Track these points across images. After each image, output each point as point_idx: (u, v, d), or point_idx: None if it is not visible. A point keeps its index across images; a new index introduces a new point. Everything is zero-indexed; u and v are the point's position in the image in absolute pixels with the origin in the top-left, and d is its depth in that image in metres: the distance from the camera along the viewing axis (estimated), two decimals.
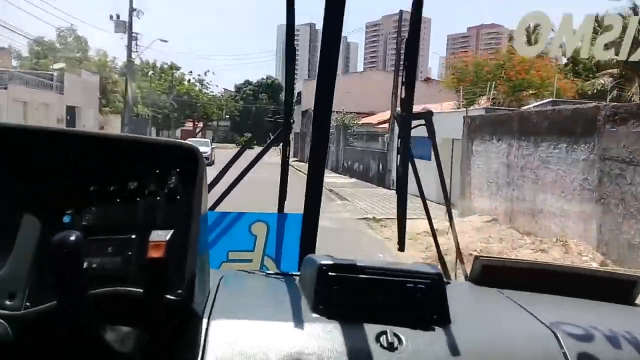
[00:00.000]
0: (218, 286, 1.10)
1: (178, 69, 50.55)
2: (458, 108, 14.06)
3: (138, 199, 0.94)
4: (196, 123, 54.14)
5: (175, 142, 0.96)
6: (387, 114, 20.35)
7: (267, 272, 1.27)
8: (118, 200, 0.95)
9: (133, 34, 25.84)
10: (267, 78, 63.73)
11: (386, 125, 18.46)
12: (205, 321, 0.95)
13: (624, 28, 1.08)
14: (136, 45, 26.44)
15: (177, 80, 48.78)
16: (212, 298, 1.03)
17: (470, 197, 10.14)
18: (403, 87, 1.19)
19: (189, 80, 51.90)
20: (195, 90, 51.72)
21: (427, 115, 1.30)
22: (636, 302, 1.31)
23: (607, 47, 1.12)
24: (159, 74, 47.46)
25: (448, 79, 16.72)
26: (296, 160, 34.70)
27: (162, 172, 0.95)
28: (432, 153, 1.39)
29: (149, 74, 47.29)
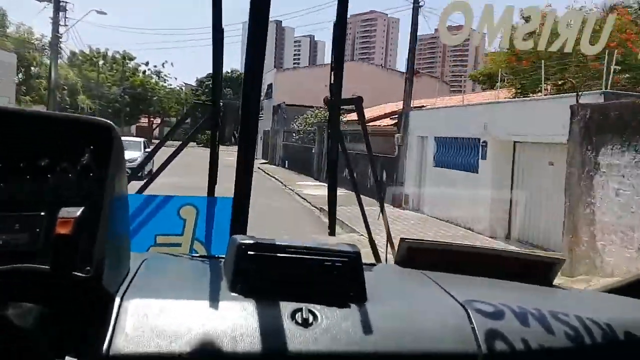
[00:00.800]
0: (139, 268, 1.12)
1: (132, 58, 47.87)
2: (514, 96, 11.45)
3: (49, 175, 0.96)
4: (152, 119, 52.90)
5: (90, 118, 0.99)
6: (381, 109, 18.71)
7: (194, 254, 1.23)
8: (27, 176, 0.96)
9: (61, 1, 19.89)
10: (232, 72, 62.74)
11: (378, 122, 16.43)
12: (118, 300, 0.97)
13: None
14: (65, 18, 20.94)
15: (130, 71, 46.93)
16: (129, 279, 1.05)
17: (593, 247, 6.01)
18: (332, 73, 1.25)
19: (144, 72, 49.51)
20: (151, 82, 49.55)
21: (357, 101, 1.38)
22: (554, 283, 1.42)
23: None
24: (111, 64, 44.73)
25: (494, 61, 13.29)
26: (265, 163, 31.34)
27: (75, 149, 0.97)
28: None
29: (99, 63, 44.45)
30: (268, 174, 22.67)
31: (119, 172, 0.99)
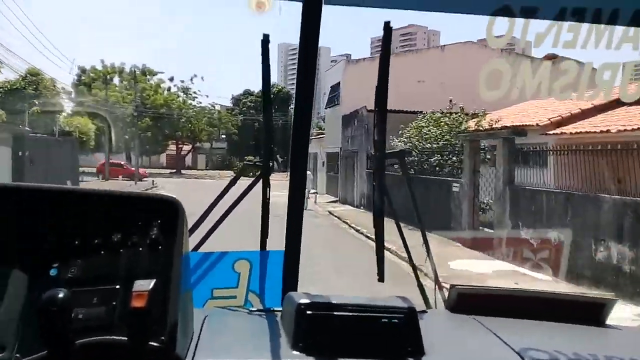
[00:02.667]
0: (202, 326, 1.25)
1: (154, 74, 45.74)
2: None
3: (121, 250, 1.09)
4: (180, 145, 49.91)
5: (156, 195, 1.16)
6: (524, 108, 13.86)
7: (250, 308, 1.52)
8: (102, 252, 1.09)
9: None
10: (272, 86, 60.74)
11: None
12: None
13: None
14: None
15: (152, 89, 44.47)
16: (195, 339, 1.18)
17: None
18: (375, 129, 1.43)
19: (168, 89, 46.89)
20: (177, 101, 46.40)
21: (400, 154, 1.56)
22: (607, 322, 1.53)
23: None
24: (129, 81, 42.68)
25: None
26: (334, 202, 23.09)
27: (144, 224, 1.11)
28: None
29: (114, 80, 43.07)
30: (342, 220, 16.85)
31: (184, 241, 1.12)
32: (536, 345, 1.25)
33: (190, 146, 50.61)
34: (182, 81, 49.43)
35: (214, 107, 52.28)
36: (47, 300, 0.91)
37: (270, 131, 1.61)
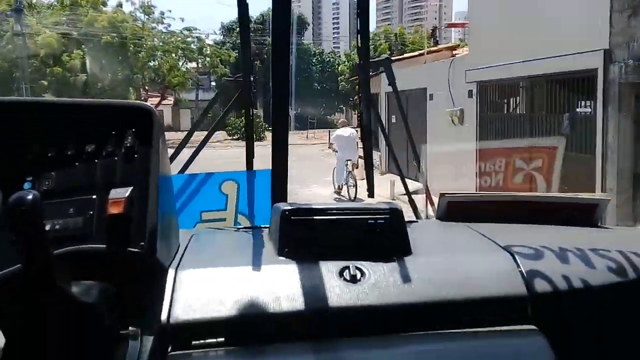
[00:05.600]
0: (188, 243, 1.46)
1: None
2: None
3: (96, 160, 1.22)
4: (145, 93, 39.33)
5: (129, 102, 1.31)
6: None
7: (239, 227, 1.59)
8: (77, 163, 1.22)
9: None
10: (259, 19, 51.52)
11: None
12: (172, 272, 1.25)
13: None
14: None
15: (89, 3, 34.06)
16: (180, 252, 1.36)
17: None
18: (358, 36, 1.57)
19: (119, 5, 36.15)
20: (131, 24, 36.23)
21: (385, 62, 1.73)
22: (602, 223, 1.76)
23: None
24: (70, 1, 33.96)
25: None
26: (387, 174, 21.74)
27: (118, 133, 1.23)
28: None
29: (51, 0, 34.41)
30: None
31: (161, 152, 1.25)
32: (526, 242, 1.46)
33: (160, 96, 40.04)
34: None
35: (192, 33, 42.15)
36: (14, 202, 0.95)
37: (247, 43, 1.73)
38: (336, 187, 13.34)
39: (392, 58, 14.83)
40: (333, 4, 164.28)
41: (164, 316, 1.18)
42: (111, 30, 33.22)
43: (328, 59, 55.23)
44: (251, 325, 1.24)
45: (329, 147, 14.17)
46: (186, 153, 1.83)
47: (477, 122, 12.16)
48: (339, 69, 47.55)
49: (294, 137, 34.15)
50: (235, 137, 34.16)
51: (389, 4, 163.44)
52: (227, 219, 1.87)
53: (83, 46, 32.51)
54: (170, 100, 43.28)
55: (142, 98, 36.95)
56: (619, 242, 1.62)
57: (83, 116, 1.31)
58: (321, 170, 14.59)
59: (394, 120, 16.74)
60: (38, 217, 0.98)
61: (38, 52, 29.99)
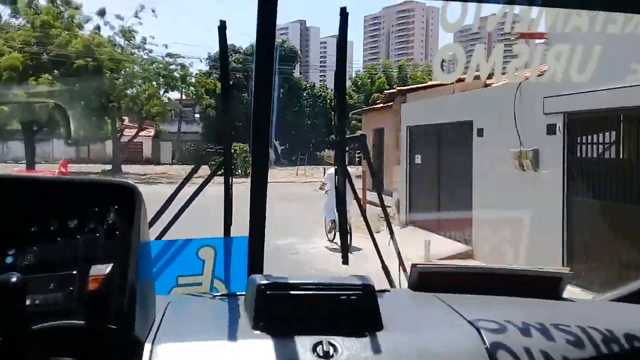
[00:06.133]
0: (165, 311, 1.61)
1: (77, 7, 34.87)
2: None
3: (78, 236, 1.37)
4: (120, 126, 38.95)
5: (113, 180, 1.50)
6: None
7: (215, 294, 1.79)
8: (59, 238, 1.37)
9: None
10: (239, 50, 51.63)
11: None
12: (148, 346, 1.37)
13: None
14: None
15: (62, 25, 33.78)
16: (157, 323, 1.51)
17: None
18: (335, 115, 1.82)
19: (97, 28, 36.05)
20: (108, 48, 35.80)
21: (361, 138, 2.00)
22: (564, 295, 1.99)
23: None
24: (40, 21, 33.17)
25: None
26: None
27: (100, 210, 1.40)
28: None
29: (20, 21, 33.67)
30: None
31: (142, 226, 1.42)
32: (492, 317, 1.66)
33: (137, 127, 40.14)
34: (121, 18, 37.94)
35: (175, 60, 41.19)
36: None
37: (228, 112, 1.97)
38: (327, 228, 12.74)
39: (412, 87, 13.92)
40: (320, 42, 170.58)
41: None
42: (86, 55, 32.63)
43: (319, 92, 56.19)
44: None
45: (321, 188, 13.64)
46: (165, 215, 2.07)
47: (565, 167, 9.52)
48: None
49: (282, 174, 33.34)
50: (219, 172, 33.31)
51: (376, 39, 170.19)
52: (203, 284, 2.07)
53: (55, 71, 31.72)
54: (150, 131, 43.16)
55: (118, 128, 37.87)
56: (579, 316, 1.80)
57: (66, 191, 1.48)
58: (320, 216, 13.72)
59: (418, 161, 15.26)
60: (20, 299, 1.12)
61: (1, 75, 29.87)
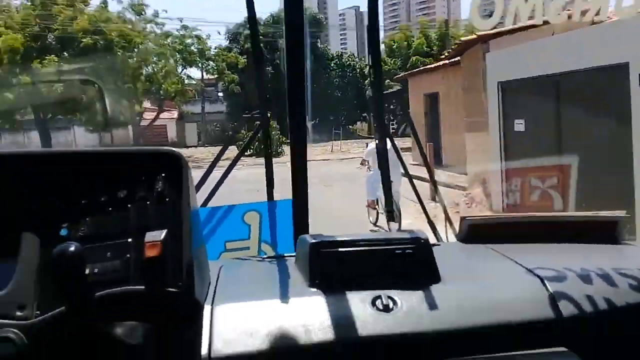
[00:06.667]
0: (218, 275, 1.80)
1: None
2: None
3: (129, 205, 1.52)
4: (142, 107, 37.84)
5: (158, 149, 1.62)
6: None
7: (264, 256, 1.97)
8: (110, 209, 1.52)
9: None
10: (269, 19, 49.83)
11: None
12: (208, 308, 1.54)
13: None
14: None
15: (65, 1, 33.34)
16: (213, 287, 1.69)
17: None
18: (370, 70, 1.97)
19: (104, 4, 35.74)
20: (117, 25, 35.06)
21: (398, 93, 2.19)
22: (622, 240, 2.11)
23: None
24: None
25: None
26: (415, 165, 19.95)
27: (148, 178, 1.53)
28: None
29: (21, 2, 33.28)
30: None
31: (190, 192, 1.57)
32: (551, 264, 1.78)
33: (157, 108, 39.98)
34: None
35: (191, 32, 40.64)
36: (58, 254, 1.22)
37: (263, 77, 2.14)
38: (369, 210, 12.09)
39: (498, 31, 11.49)
40: (339, 15, 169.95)
41: (204, 351, 1.45)
42: (93, 32, 32.38)
43: (348, 62, 55.94)
44: (289, 356, 1.50)
45: (361, 165, 12.47)
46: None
47: None
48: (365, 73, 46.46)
49: (316, 151, 33.15)
50: (248, 153, 32.82)
51: (396, 4, 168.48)
52: (250, 248, 2.25)
53: (65, 53, 31.71)
54: (173, 113, 43.85)
55: (137, 111, 37.21)
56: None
57: (113, 163, 1.62)
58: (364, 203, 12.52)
59: (519, 127, 11.90)
60: (80, 266, 1.23)
61: (1, 58, 29.83)
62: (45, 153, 1.73)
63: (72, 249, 1.21)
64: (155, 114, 39.98)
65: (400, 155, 2.29)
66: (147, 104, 40.26)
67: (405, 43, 50.06)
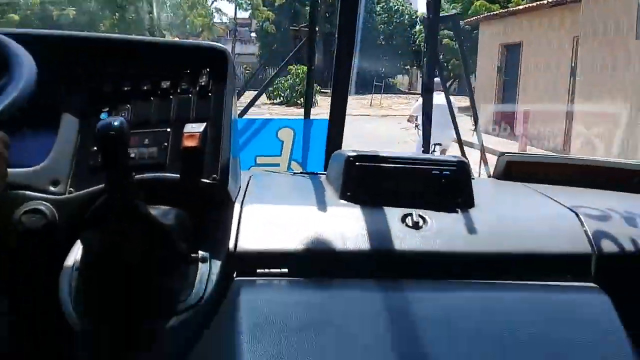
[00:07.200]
0: (248, 182, 1.96)
1: None
2: None
3: (171, 97, 1.64)
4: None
5: (206, 43, 1.75)
6: None
7: (294, 172, 2.14)
8: (152, 98, 1.64)
9: None
10: None
11: None
12: (238, 206, 1.70)
13: None
14: None
15: None
16: (243, 189, 1.85)
17: None
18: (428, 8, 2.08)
19: None
20: None
21: (454, 17, 2.33)
22: None
23: None
24: None
25: None
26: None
27: (192, 71, 1.65)
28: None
29: None
30: None
31: (232, 92, 1.67)
32: (589, 204, 1.86)
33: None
34: None
35: None
36: (104, 126, 1.26)
37: None
38: None
39: None
40: None
41: (231, 244, 1.58)
42: None
43: (396, 6, 53.68)
44: (313, 259, 1.60)
45: (409, 122, 12.08)
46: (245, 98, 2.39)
47: None
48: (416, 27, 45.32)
49: (352, 104, 30.85)
50: (277, 100, 34.34)
51: None
52: (280, 165, 2.41)
53: None
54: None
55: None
56: None
57: (158, 54, 1.72)
58: None
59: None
60: (124, 142, 1.28)
61: None
62: (92, 37, 1.77)
63: (116, 123, 1.24)
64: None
65: (453, 113, 2.37)
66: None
67: None
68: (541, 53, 18.70)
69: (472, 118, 2.35)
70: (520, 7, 22.47)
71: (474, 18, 26.68)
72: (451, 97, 11.12)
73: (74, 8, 27.83)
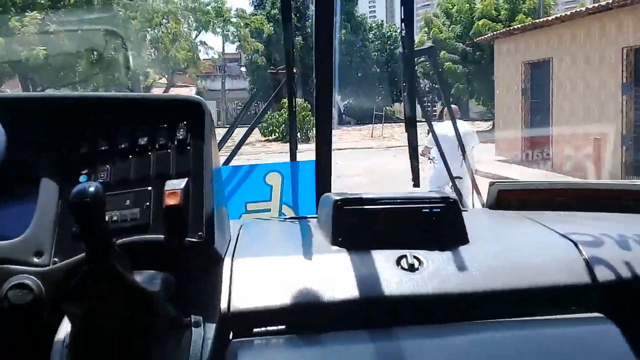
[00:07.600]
0: (239, 233, 2.01)
1: None
2: None
3: (149, 153, 1.69)
4: (147, 79, 36.20)
5: (181, 96, 1.82)
6: None
7: (286, 217, 2.28)
8: (130, 156, 1.69)
9: None
10: None
11: None
12: (228, 261, 1.74)
13: None
14: None
15: None
16: (233, 243, 1.89)
17: None
18: (402, 24, 2.25)
19: None
20: None
21: (430, 50, 2.52)
22: None
23: None
24: None
25: None
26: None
27: (169, 126, 1.71)
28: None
29: None
30: None
31: (212, 144, 1.72)
32: (586, 230, 1.93)
33: (169, 83, 39.09)
34: None
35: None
36: (78, 194, 1.27)
37: (291, 34, 2.42)
38: None
39: None
40: None
41: (224, 304, 1.60)
42: None
43: (388, 32, 54.69)
44: (311, 312, 1.63)
45: (422, 154, 10.81)
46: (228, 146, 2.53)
47: None
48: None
49: (352, 136, 32.29)
50: (272, 137, 34.75)
51: None
52: (272, 210, 2.53)
53: (49, 11, 27.30)
54: (192, 89, 42.99)
55: (142, 85, 34.96)
56: None
57: (133, 110, 1.76)
58: None
59: None
60: (100, 208, 1.28)
61: None
62: (67, 97, 1.85)
63: (91, 188, 1.25)
64: (176, 88, 38.72)
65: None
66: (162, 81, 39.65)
67: (467, 5, 47.71)
68: (563, 69, 17.79)
69: (459, 149, 2.45)
70: (550, 17, 21.22)
71: (488, 36, 25.66)
72: (466, 123, 11.70)
73: (44, 47, 25.51)
